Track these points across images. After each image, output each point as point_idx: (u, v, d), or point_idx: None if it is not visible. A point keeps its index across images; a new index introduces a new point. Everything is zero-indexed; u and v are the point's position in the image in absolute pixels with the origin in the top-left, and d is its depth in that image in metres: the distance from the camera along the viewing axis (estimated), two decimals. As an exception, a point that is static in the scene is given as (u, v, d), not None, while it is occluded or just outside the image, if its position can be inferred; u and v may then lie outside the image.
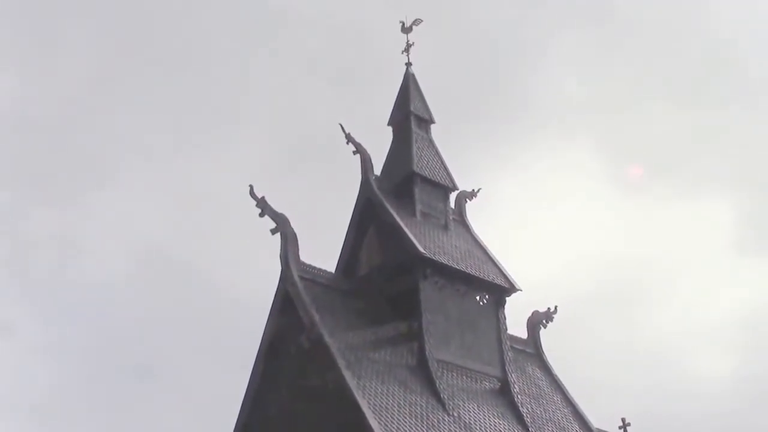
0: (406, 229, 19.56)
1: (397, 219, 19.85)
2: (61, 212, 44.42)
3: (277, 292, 18.60)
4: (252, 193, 19.09)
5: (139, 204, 44.57)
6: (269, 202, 18.97)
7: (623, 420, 23.56)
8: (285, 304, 18.32)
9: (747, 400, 40.82)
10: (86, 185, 45.28)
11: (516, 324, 21.72)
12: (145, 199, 44.77)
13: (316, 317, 17.41)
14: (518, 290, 20.63)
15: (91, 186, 45.22)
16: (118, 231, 44.31)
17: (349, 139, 21.23)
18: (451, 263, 19.67)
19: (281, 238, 18.72)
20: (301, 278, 18.36)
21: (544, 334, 22.52)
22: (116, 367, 40.62)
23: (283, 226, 18.70)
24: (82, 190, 45.01)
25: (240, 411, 18.48)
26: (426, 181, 21.44)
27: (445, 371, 18.36)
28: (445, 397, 17.66)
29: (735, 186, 47.02)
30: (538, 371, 21.44)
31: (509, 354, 19.94)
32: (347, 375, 16.39)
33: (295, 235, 18.76)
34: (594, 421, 20.84)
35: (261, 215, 18.94)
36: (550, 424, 19.55)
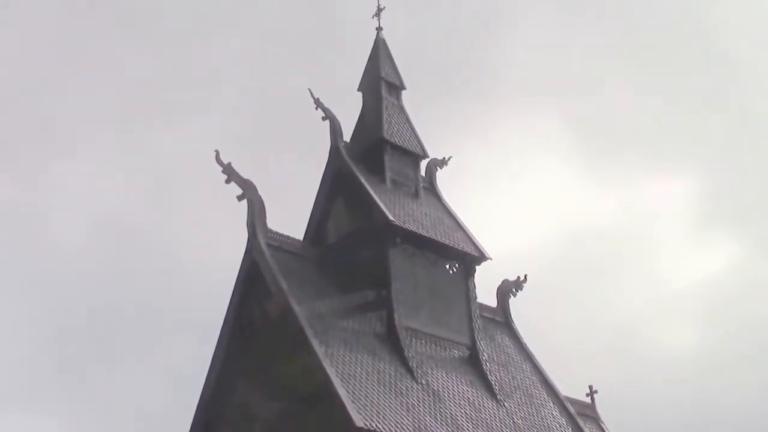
0: (375, 197, 19.34)
1: (367, 186, 19.61)
2: (20, 182, 43.56)
3: (243, 260, 18.31)
4: (218, 159, 18.72)
5: (102, 173, 43.85)
6: (236, 168, 18.63)
7: (590, 387, 23.75)
8: (252, 272, 18.04)
9: (708, 366, 41.58)
10: (47, 154, 44.41)
11: (485, 293, 21.72)
12: (107, 168, 44.05)
13: (284, 285, 17.16)
14: (488, 259, 20.53)
15: (52, 155, 44.36)
16: (79, 201, 43.60)
17: (318, 104, 20.91)
18: (420, 231, 19.50)
19: (248, 205, 18.38)
20: (269, 246, 18.08)
21: (513, 302, 22.51)
22: (75, 339, 40.09)
23: (249, 193, 18.36)
24: (43, 160, 44.14)
25: (206, 381, 18.19)
26: (396, 148, 21.19)
27: (413, 339, 18.24)
28: (414, 365, 17.55)
29: (697, 161, 47.60)
30: (507, 339, 21.41)
31: (478, 322, 19.87)
32: (315, 343, 16.18)
33: (262, 202, 18.43)
34: (562, 388, 20.89)
35: (227, 182, 18.58)
36: (518, 392, 19.55)
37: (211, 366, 18.22)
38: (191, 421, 18.11)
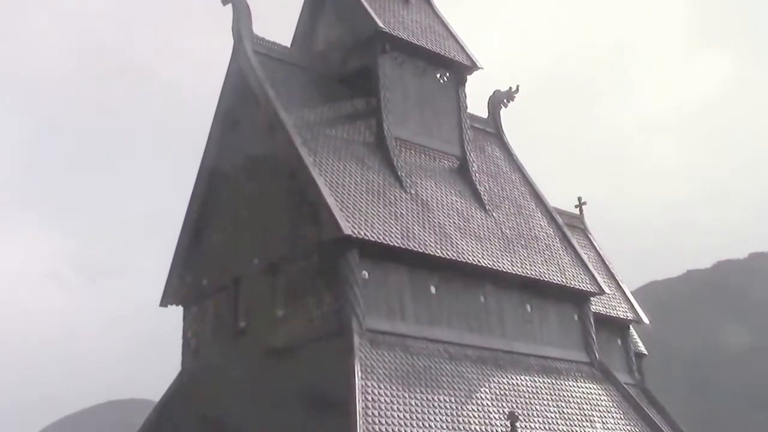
0: (364, 2, 18.66)
1: (356, -9, 18.85)
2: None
3: (229, 68, 17.83)
4: (200, -40, 17.84)
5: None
6: (219, -30, 17.78)
7: (579, 199, 23.97)
8: (238, 81, 17.60)
9: (699, 188, 42.00)
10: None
11: (477, 104, 21.40)
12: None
13: (271, 93, 16.80)
14: (479, 68, 20.08)
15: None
16: (61, 27, 42.15)
17: None
18: (410, 38, 18.94)
19: (233, 10, 17.71)
20: (255, 53, 17.57)
21: (504, 114, 22.24)
22: (61, 162, 39.95)
23: (234, -4, 17.63)
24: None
25: (191, 199, 18.12)
26: (386, -49, 20.19)
27: (403, 149, 18.10)
28: (403, 174, 17.49)
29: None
30: (498, 151, 21.28)
31: (468, 133, 19.67)
32: (303, 151, 16.03)
33: (247, 6, 17.76)
34: (551, 200, 21.00)
35: (210, -16, 17.80)
36: (507, 203, 19.62)
37: (196, 181, 18.09)
38: (180, 226, 18.25)
